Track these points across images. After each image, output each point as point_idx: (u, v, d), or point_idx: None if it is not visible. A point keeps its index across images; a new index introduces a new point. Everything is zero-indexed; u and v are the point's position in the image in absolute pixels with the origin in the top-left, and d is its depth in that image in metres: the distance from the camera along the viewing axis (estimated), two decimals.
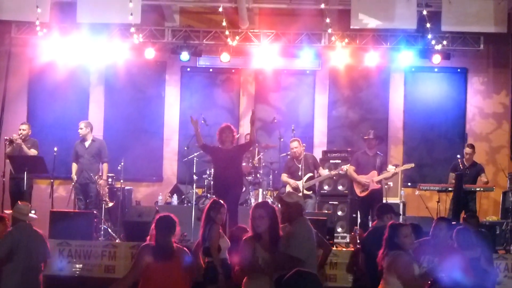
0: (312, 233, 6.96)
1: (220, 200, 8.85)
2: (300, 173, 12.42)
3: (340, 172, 12.85)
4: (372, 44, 14.59)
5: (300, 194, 12.11)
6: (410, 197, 14.09)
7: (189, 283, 7.01)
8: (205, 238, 8.50)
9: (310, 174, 12.53)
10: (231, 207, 11.16)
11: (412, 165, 12.71)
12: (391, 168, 12.81)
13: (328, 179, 13.37)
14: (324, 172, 12.82)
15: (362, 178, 12.13)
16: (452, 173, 12.81)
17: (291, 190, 12.40)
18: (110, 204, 12.71)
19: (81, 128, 13.00)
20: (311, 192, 12.55)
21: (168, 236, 6.74)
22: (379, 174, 12.15)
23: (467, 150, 13.19)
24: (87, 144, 12.98)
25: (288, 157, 13.12)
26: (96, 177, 12.68)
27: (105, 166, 12.99)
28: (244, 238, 7.12)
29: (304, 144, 12.86)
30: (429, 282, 6.80)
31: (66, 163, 13.51)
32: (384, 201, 12.55)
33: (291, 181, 12.50)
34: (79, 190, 12.85)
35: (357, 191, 12.23)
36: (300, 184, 12.37)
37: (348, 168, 12.41)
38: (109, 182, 13.34)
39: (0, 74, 15.24)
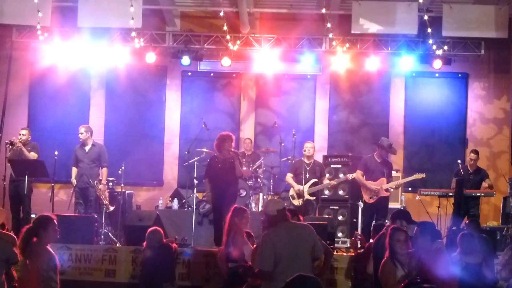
0: (282, 240, 6.82)
1: (242, 206, 9.00)
2: (307, 175, 12.42)
3: (348, 178, 12.83)
4: (373, 49, 14.59)
5: (304, 198, 12.19)
6: (410, 202, 14.08)
7: None
8: (229, 245, 8.54)
9: (315, 180, 12.54)
10: (228, 212, 11.28)
11: (423, 175, 12.60)
12: (393, 174, 12.79)
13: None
14: (326, 181, 12.80)
15: (372, 185, 12.10)
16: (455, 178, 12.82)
17: (294, 194, 12.45)
18: (111, 208, 12.71)
19: (81, 133, 12.98)
20: (314, 198, 12.55)
21: None
22: (388, 182, 12.13)
23: (472, 155, 13.20)
24: (87, 148, 12.96)
25: (297, 159, 13.13)
26: (95, 182, 12.67)
27: (104, 171, 12.98)
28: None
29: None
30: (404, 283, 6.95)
31: (66, 167, 13.50)
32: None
33: (295, 185, 12.50)
34: (78, 194, 12.83)
35: (365, 197, 12.16)
36: (304, 189, 12.38)
37: (356, 173, 12.36)
38: (110, 186, 13.34)
39: (1, 78, 15.25)
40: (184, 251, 10.76)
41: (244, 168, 13.29)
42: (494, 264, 9.82)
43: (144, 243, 9.85)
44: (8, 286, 7.78)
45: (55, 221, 7.38)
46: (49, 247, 7.28)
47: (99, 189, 12.63)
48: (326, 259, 8.81)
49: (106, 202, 12.67)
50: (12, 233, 9.32)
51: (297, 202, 12.34)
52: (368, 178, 12.13)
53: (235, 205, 9.28)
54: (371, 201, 12.06)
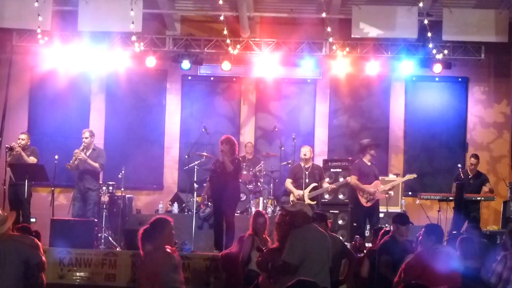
0: (313, 240, 6.99)
1: (259, 210, 9.12)
2: (307, 180, 12.41)
3: (347, 181, 12.84)
4: (373, 53, 14.60)
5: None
6: (410, 206, 14.09)
7: None
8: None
9: (314, 184, 12.54)
10: (227, 215, 11.32)
11: (414, 175, 12.67)
12: (392, 177, 12.81)
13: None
14: (325, 185, 12.80)
15: (369, 188, 12.09)
16: (455, 182, 12.83)
17: (295, 200, 12.45)
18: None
19: (87, 137, 12.90)
20: (315, 202, 12.55)
21: None
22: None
23: (472, 160, 13.22)
24: (88, 153, 12.96)
25: (295, 164, 13.13)
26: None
27: (96, 164, 12.80)
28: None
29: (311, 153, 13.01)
30: None
31: (66, 171, 13.46)
32: (384, 210, 12.64)
33: (295, 191, 12.50)
34: (78, 198, 12.83)
35: (363, 201, 12.15)
36: (304, 194, 12.39)
37: (351, 178, 12.36)
38: (110, 191, 13.34)
39: (1, 82, 15.25)
40: (183, 255, 10.74)
41: (244, 172, 13.32)
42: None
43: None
44: None
45: (171, 223, 7.36)
46: (166, 249, 7.23)
47: (76, 152, 12.62)
48: (350, 265, 8.94)
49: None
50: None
51: None
52: (363, 182, 12.17)
53: (256, 210, 9.41)
54: (369, 204, 12.09)
